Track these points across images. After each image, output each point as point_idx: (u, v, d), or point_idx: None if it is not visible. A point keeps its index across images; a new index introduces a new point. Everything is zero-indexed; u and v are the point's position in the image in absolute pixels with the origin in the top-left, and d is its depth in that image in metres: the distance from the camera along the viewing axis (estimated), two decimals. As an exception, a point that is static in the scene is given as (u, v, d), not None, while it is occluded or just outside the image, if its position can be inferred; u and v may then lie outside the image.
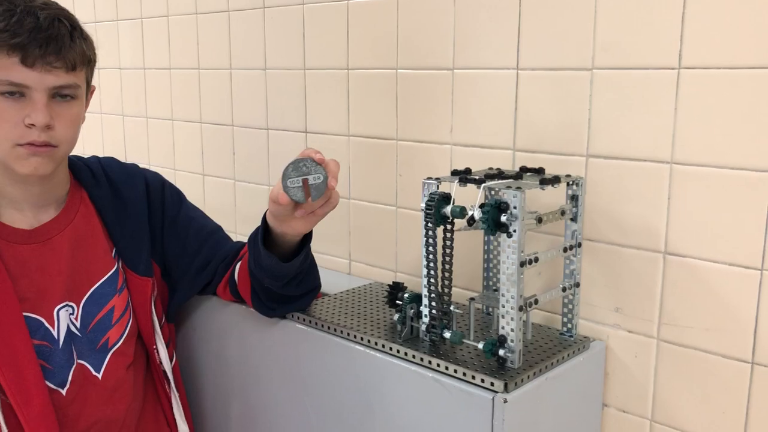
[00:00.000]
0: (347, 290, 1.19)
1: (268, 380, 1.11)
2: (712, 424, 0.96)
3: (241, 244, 1.13)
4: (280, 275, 0.98)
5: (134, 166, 1.08)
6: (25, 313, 0.91)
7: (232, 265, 1.10)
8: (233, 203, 1.53)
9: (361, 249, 1.33)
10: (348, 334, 1.02)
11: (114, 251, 1.02)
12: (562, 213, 0.96)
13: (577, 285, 1.00)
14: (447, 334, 0.95)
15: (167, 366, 1.08)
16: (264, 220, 0.97)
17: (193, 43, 1.59)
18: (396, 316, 0.99)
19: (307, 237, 0.98)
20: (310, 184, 0.81)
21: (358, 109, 1.30)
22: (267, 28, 1.42)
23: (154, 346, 1.05)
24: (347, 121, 1.32)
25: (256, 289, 1.03)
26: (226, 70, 1.53)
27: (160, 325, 1.08)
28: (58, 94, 0.90)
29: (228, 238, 1.15)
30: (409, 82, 1.21)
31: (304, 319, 1.07)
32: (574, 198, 0.97)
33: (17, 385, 0.88)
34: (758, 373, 0.91)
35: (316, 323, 1.05)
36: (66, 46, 0.88)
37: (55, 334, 0.94)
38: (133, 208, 1.04)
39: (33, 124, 0.88)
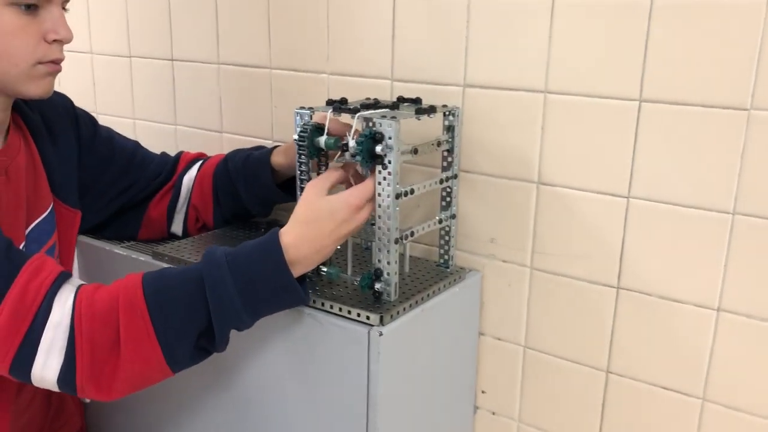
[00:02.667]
0: (219, 230, 1.16)
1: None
2: (579, 347, 1.00)
3: (172, 161, 1.11)
4: (273, 204, 1.05)
5: None
6: None
7: (172, 182, 1.09)
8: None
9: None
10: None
11: (48, 181, 0.96)
12: (438, 144, 0.95)
13: (454, 217, 1.01)
14: (324, 270, 0.93)
15: None
16: (269, 160, 1.00)
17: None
18: None
19: None
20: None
21: (227, 36, 1.24)
22: (125, -56, 1.31)
23: None
24: (216, 48, 1.25)
25: (222, 208, 1.07)
26: (80, -9, 1.40)
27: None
28: (63, 7, 0.86)
29: (148, 152, 1.12)
30: (282, 6, 1.16)
31: (166, 257, 1.03)
32: (450, 128, 0.97)
33: None
34: (623, 297, 0.96)
35: (180, 265, 1.02)
36: None
37: None
38: (61, 133, 0.99)
39: (59, 40, 0.83)
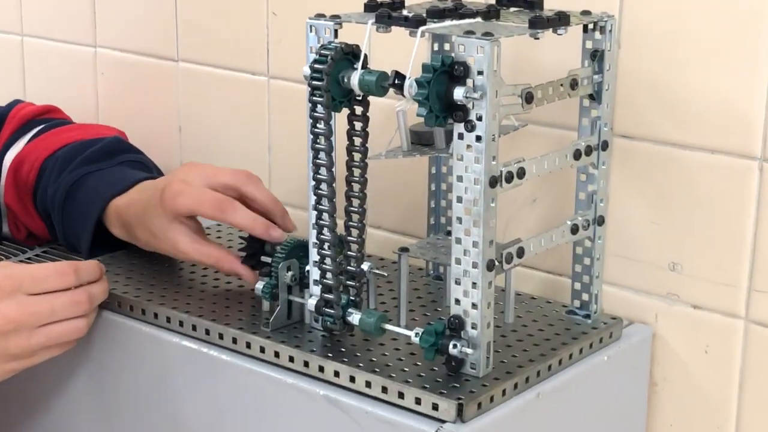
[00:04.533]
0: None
1: (59, 394, 1.12)
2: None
3: None
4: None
5: None
6: None
7: None
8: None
9: (202, 159, 1.30)
10: (171, 321, 1.02)
11: None
12: (573, 85, 0.95)
13: (601, 221, 1.00)
14: (355, 318, 0.94)
15: None
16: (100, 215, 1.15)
17: None
18: (260, 285, 0.99)
19: None
20: None
21: None
22: None
23: None
24: None
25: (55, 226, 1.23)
26: None
27: None
28: None
29: None
30: None
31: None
32: (596, 56, 0.96)
33: None
34: None
35: (119, 304, 1.06)
36: None
37: None
38: None
39: None
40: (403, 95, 0.87)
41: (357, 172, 0.93)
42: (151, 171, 1.22)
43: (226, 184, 1.07)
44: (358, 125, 0.92)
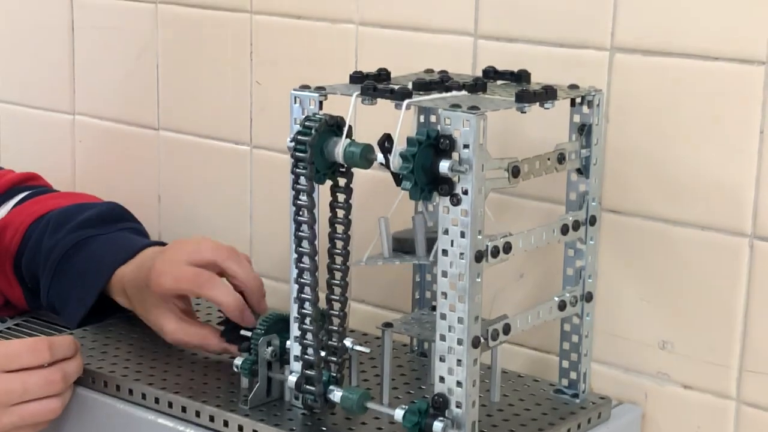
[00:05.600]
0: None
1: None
2: None
3: None
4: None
5: None
6: None
7: None
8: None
9: (181, 229, 1.31)
10: (145, 397, 1.02)
11: None
12: (561, 159, 0.96)
13: (589, 298, 1.00)
14: (337, 395, 0.94)
15: None
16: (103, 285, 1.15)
17: None
18: (239, 361, 0.99)
19: None
20: None
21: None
22: None
23: None
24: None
25: (35, 292, 1.23)
26: None
27: None
28: None
29: None
30: None
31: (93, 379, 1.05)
32: (584, 130, 0.97)
33: None
34: None
35: (92, 379, 1.05)
36: None
37: None
38: None
39: None
40: (388, 168, 0.87)
41: (339, 244, 0.94)
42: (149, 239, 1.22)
43: (208, 259, 1.07)
44: (341, 197, 0.93)
